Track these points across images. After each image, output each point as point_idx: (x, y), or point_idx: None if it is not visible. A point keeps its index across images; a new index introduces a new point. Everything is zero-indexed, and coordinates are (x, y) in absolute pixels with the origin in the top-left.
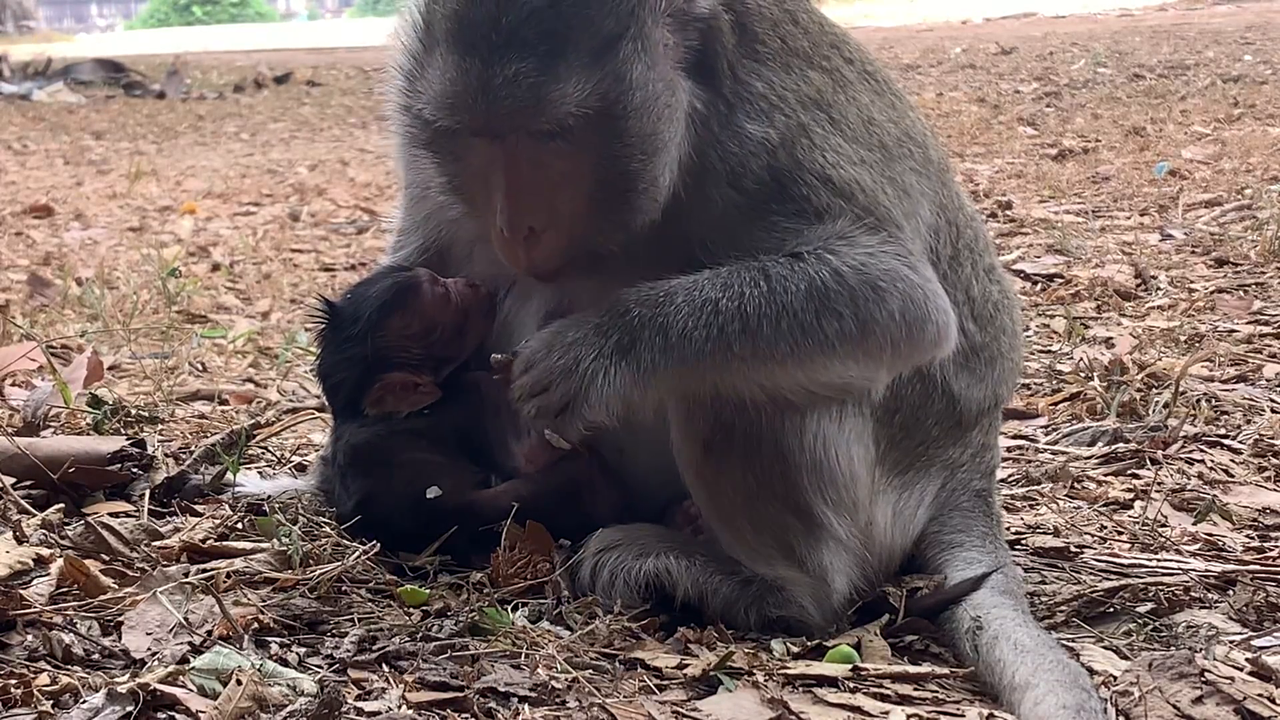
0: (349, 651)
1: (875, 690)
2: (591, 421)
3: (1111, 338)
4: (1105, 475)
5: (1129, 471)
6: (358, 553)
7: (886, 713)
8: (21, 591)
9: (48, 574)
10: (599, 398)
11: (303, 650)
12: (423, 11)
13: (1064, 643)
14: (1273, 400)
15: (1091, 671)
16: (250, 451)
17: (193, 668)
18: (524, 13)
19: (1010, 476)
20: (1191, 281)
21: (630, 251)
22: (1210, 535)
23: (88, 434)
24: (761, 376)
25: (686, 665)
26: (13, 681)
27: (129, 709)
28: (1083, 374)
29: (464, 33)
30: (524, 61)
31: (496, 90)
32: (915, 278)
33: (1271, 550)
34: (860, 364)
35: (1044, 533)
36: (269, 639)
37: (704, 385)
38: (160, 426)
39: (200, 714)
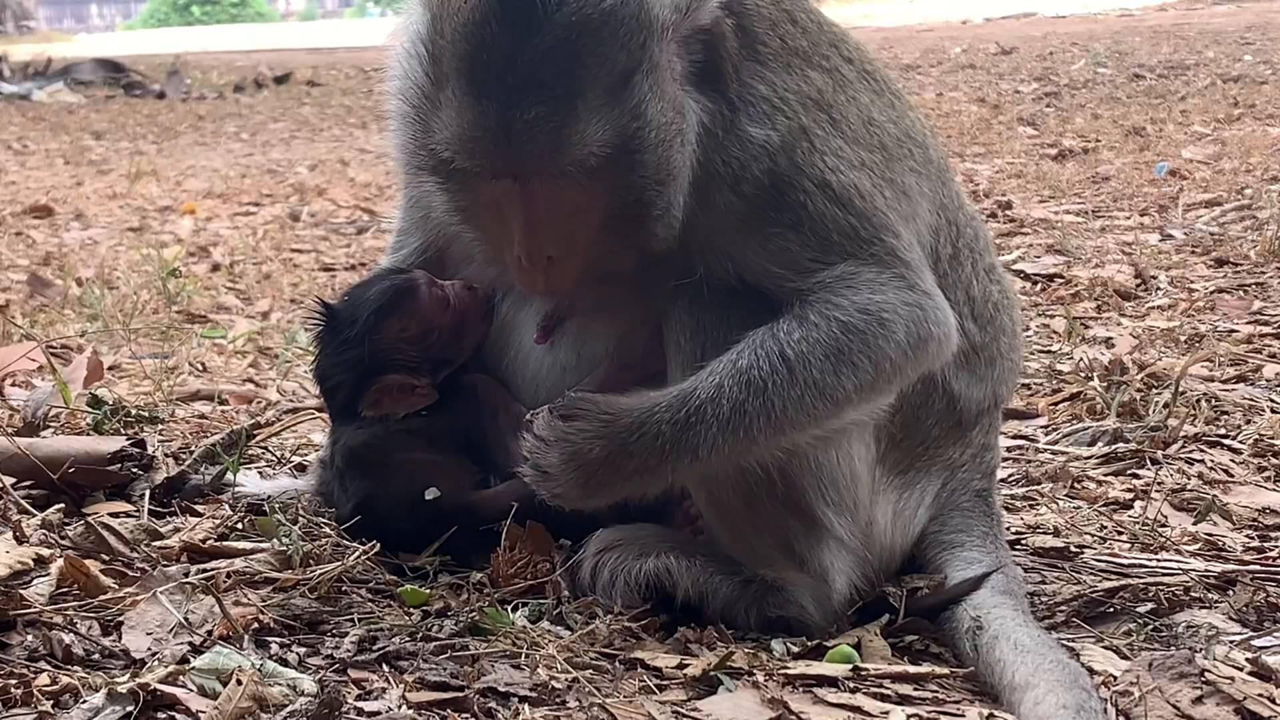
0: (349, 651)
1: (875, 690)
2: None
3: (1111, 338)
4: (1105, 475)
5: (1129, 471)
6: (358, 553)
7: (886, 713)
8: (21, 591)
9: (48, 574)
10: (592, 498)
11: (303, 650)
12: (428, 43)
13: (1064, 643)
14: (1273, 400)
15: (1091, 671)
16: (250, 451)
17: (193, 668)
18: (538, 52)
19: (1010, 476)
20: (1191, 281)
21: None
22: (1210, 535)
23: (88, 434)
24: (783, 443)
25: (686, 665)
26: (13, 681)
27: (129, 709)
28: (1083, 374)
29: (478, 73)
30: (542, 104)
31: (517, 135)
32: (912, 296)
33: (1271, 550)
34: (871, 401)
35: (1044, 533)
36: (269, 639)
37: (726, 468)
38: (160, 426)
39: (200, 714)
